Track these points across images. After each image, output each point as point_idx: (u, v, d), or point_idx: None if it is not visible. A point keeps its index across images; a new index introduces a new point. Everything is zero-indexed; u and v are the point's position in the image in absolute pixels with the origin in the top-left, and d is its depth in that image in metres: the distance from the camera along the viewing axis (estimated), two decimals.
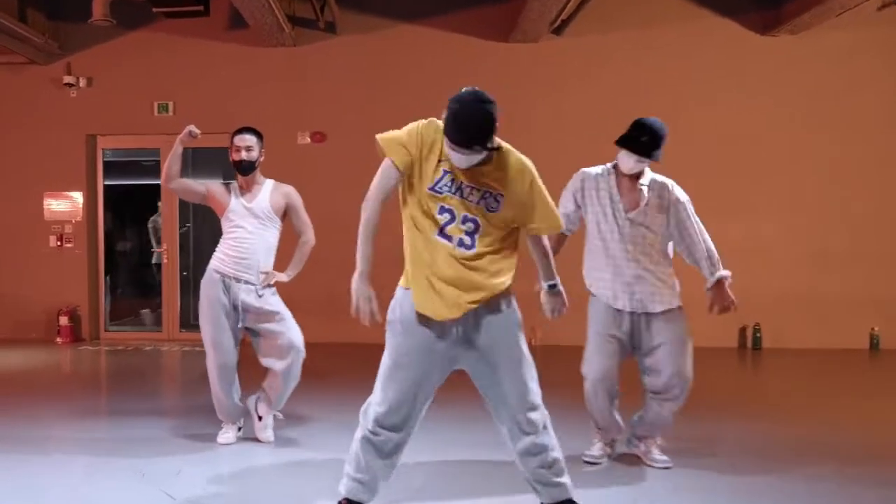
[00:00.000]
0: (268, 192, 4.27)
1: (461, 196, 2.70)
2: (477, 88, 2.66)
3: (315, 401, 5.05)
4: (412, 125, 2.76)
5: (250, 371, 4.50)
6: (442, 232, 2.71)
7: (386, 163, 2.73)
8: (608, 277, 3.70)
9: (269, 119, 8.17)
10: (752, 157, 7.88)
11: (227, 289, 4.15)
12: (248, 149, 4.19)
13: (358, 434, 2.82)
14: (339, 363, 6.61)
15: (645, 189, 3.70)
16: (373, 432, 2.75)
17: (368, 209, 2.75)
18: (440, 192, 2.70)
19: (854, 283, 7.74)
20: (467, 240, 2.71)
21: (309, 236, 4.36)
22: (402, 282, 2.81)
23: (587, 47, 8.02)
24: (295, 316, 4.28)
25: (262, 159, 4.28)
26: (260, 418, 4.31)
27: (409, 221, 2.76)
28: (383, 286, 2.87)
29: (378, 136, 2.76)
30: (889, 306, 7.71)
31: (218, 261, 4.21)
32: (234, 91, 8.17)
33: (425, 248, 2.71)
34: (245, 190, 4.26)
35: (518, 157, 2.78)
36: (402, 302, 2.76)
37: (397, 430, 2.75)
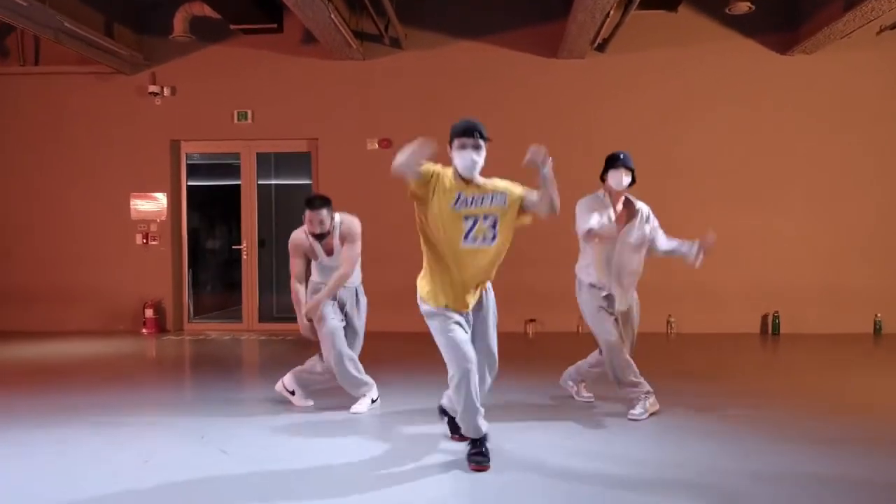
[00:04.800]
0: (337, 237, 4.87)
1: (478, 205, 3.73)
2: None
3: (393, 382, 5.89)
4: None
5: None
6: (467, 238, 3.70)
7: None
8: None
9: (341, 126, 8.96)
10: (775, 162, 8.83)
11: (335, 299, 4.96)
12: (321, 222, 4.78)
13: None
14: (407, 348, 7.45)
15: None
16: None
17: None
18: (459, 209, 3.70)
19: (862, 275, 8.79)
20: (490, 234, 3.73)
21: (343, 270, 4.85)
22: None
23: (627, 64, 8.83)
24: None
25: (333, 221, 4.85)
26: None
27: (431, 242, 3.76)
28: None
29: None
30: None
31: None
32: (308, 101, 8.92)
33: (452, 258, 3.72)
34: (323, 246, 4.91)
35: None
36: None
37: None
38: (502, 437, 4.20)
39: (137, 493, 3.49)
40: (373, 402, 5.12)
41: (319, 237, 4.85)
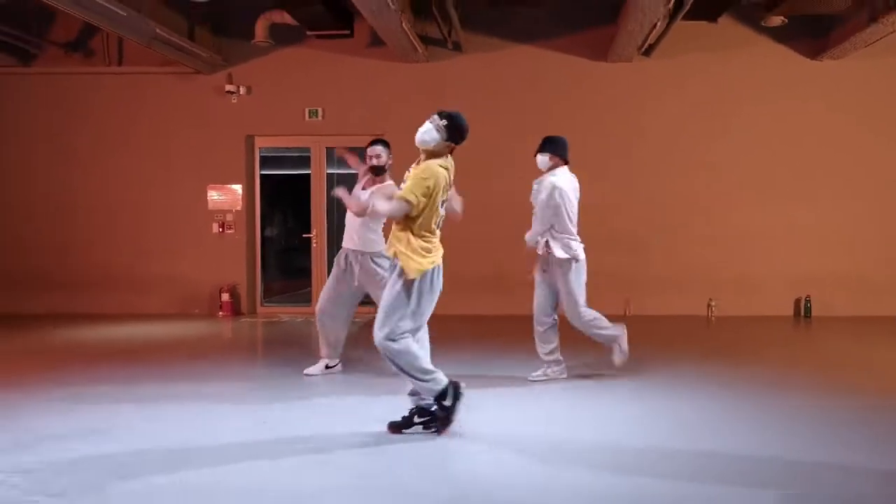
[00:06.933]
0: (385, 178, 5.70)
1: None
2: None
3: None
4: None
5: None
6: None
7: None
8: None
9: (405, 126, 9.38)
10: (806, 159, 9.50)
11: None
12: (378, 156, 5.62)
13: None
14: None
15: None
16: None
17: None
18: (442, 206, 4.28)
19: (889, 262, 9.47)
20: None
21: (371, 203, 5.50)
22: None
23: (670, 68, 9.46)
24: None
25: (390, 163, 5.68)
26: None
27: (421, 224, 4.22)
28: None
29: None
30: None
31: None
32: (375, 100, 9.51)
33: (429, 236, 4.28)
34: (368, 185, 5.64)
35: None
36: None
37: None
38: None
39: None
40: (327, 367, 5.80)
41: (375, 172, 5.60)
